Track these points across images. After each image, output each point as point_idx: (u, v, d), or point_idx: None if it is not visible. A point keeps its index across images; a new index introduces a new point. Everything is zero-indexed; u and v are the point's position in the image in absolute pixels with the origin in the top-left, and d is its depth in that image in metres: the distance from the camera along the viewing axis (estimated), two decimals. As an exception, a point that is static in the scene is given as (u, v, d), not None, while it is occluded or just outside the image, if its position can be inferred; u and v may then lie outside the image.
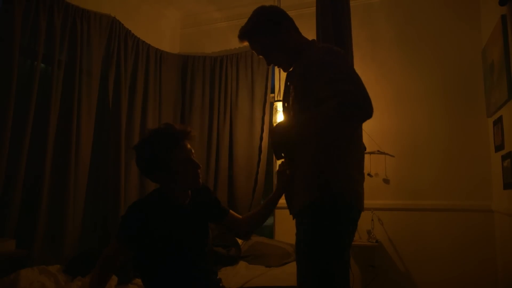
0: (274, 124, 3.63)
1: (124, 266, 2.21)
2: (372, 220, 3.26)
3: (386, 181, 3.37)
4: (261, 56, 1.68)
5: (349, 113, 1.29)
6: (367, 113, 1.30)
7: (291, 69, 1.66)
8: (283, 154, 1.56)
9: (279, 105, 3.62)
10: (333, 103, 1.29)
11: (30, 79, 2.58)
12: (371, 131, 3.02)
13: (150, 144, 1.59)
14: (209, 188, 1.81)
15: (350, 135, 1.49)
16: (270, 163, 3.80)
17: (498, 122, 2.70)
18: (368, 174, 3.29)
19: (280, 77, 3.83)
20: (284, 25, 1.61)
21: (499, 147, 2.73)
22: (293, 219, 1.56)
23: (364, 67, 3.31)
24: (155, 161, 1.56)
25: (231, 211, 1.82)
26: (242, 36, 1.64)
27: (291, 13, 1.68)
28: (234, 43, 4.05)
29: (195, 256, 1.62)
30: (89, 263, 1.59)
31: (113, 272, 1.61)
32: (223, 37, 4.13)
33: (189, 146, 1.61)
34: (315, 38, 2.09)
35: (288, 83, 1.64)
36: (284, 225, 3.53)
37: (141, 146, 1.61)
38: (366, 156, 3.05)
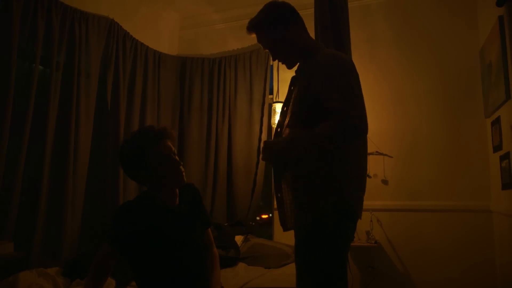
0: (273, 125, 3.66)
1: (121, 268, 2.20)
2: (371, 221, 3.26)
3: (384, 182, 3.38)
4: (266, 50, 1.69)
5: (342, 136, 1.37)
6: (361, 133, 1.39)
7: (295, 74, 1.66)
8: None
9: (278, 107, 3.63)
10: (328, 125, 1.36)
11: (28, 81, 2.57)
12: (369, 131, 3.00)
13: (130, 144, 1.59)
14: (199, 192, 1.81)
15: (354, 145, 1.52)
16: (269, 164, 3.80)
17: (496, 122, 2.70)
18: (367, 175, 3.28)
19: (278, 78, 3.84)
20: (294, 22, 1.61)
21: (497, 148, 2.73)
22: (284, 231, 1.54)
23: (362, 67, 3.29)
24: (136, 160, 1.56)
25: (209, 229, 1.81)
26: (251, 27, 1.64)
27: (289, 15, 1.68)
28: (233, 45, 4.06)
29: (187, 256, 1.61)
30: (87, 266, 1.58)
31: (107, 276, 1.60)
32: (222, 38, 4.13)
33: (169, 144, 1.61)
34: (313, 39, 2.09)
35: (292, 88, 1.63)
36: (283, 227, 3.53)
37: (122, 148, 1.61)
38: (365, 157, 3.06)
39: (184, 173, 1.62)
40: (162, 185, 1.60)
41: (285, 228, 1.53)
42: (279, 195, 1.55)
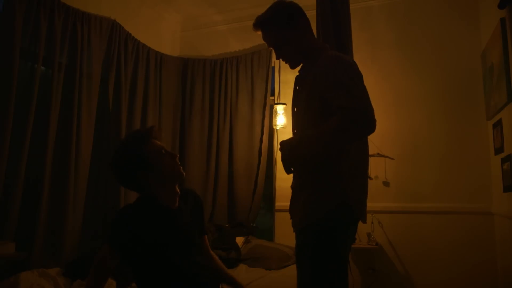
0: (275, 126, 3.67)
1: (122, 269, 2.20)
2: (372, 223, 3.26)
3: (386, 183, 3.37)
4: (270, 48, 1.69)
5: (351, 130, 1.35)
6: (369, 129, 1.34)
7: (298, 73, 1.67)
8: (292, 169, 1.56)
9: (279, 108, 3.63)
10: (336, 120, 1.34)
11: (30, 81, 2.58)
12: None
13: (124, 149, 1.61)
14: (199, 197, 1.81)
15: (357, 148, 1.52)
16: (270, 166, 3.80)
17: (498, 124, 2.70)
18: (368, 177, 3.28)
19: (280, 80, 3.84)
20: (300, 23, 1.62)
21: (498, 150, 2.73)
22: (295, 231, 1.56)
23: (364, 69, 3.26)
24: (133, 161, 1.56)
25: (206, 236, 1.82)
26: (257, 25, 1.64)
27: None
28: (234, 46, 4.07)
29: (187, 258, 1.61)
30: (88, 266, 1.58)
31: (107, 277, 1.61)
32: (223, 40, 4.14)
33: (158, 143, 1.63)
34: (318, 41, 2.09)
35: (297, 87, 1.64)
36: (284, 228, 3.53)
37: (116, 156, 1.62)
38: (366, 159, 3.05)
39: (180, 165, 1.63)
40: (163, 181, 1.59)
41: (295, 228, 1.55)
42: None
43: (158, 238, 1.55)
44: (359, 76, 1.47)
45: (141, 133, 1.63)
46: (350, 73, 1.44)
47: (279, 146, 1.55)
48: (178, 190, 1.66)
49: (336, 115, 1.35)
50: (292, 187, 1.61)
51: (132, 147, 1.58)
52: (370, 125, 1.33)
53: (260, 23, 1.63)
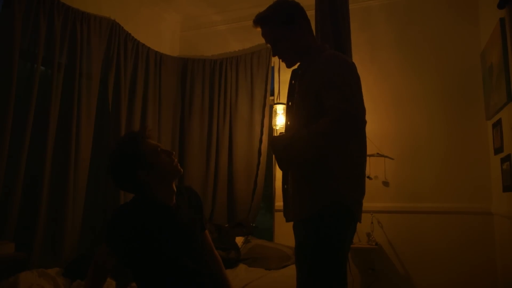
0: (275, 126, 3.66)
1: (122, 269, 2.20)
2: (372, 223, 3.26)
3: (385, 183, 3.37)
4: (268, 45, 1.71)
5: (340, 131, 1.37)
6: (357, 131, 1.40)
7: (295, 68, 1.68)
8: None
9: (279, 108, 3.63)
10: (325, 121, 1.37)
11: (30, 82, 2.58)
12: (371, 133, 2.99)
13: (121, 151, 1.60)
14: (197, 193, 1.81)
15: (353, 147, 1.52)
16: (269, 166, 3.80)
17: (498, 124, 2.70)
18: (368, 177, 3.28)
19: (279, 79, 3.84)
20: (300, 22, 1.63)
21: (498, 150, 2.73)
22: (287, 221, 1.58)
23: (363, 69, 3.27)
24: (133, 161, 1.56)
25: (207, 231, 1.82)
26: (257, 21, 1.66)
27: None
28: (234, 46, 4.07)
29: (187, 255, 1.60)
30: (88, 266, 1.59)
31: (106, 276, 1.61)
32: (223, 40, 4.14)
33: (152, 141, 1.64)
34: (317, 41, 2.09)
35: (293, 82, 1.65)
36: (284, 228, 3.53)
37: (113, 159, 1.61)
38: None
39: (177, 162, 1.64)
40: (162, 179, 1.59)
41: (287, 219, 1.59)
42: (285, 186, 1.60)
43: (157, 235, 1.55)
44: (356, 77, 1.48)
45: (135, 133, 1.64)
46: (347, 73, 1.45)
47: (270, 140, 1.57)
48: (175, 188, 1.66)
49: (326, 115, 1.37)
50: (286, 184, 1.61)
51: (129, 148, 1.58)
52: (358, 127, 1.38)
53: (260, 19, 1.65)
